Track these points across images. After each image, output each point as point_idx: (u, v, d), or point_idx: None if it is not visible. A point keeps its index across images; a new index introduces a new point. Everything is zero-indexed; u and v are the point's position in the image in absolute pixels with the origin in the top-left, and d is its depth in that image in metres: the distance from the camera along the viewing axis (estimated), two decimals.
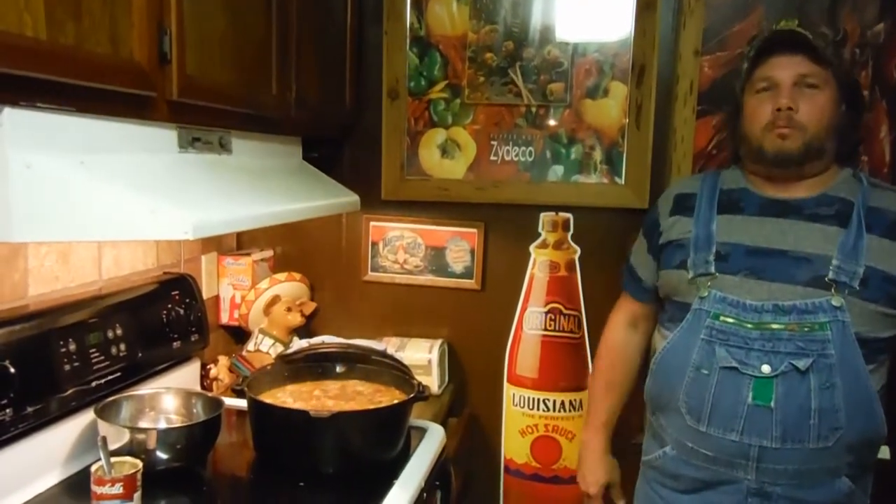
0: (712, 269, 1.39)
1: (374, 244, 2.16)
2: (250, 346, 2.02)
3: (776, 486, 1.34)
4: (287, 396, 1.57)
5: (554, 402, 2.04)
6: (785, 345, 1.31)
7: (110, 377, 1.43)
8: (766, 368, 1.31)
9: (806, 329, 1.30)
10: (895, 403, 1.40)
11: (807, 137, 1.35)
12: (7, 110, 0.97)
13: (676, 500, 1.45)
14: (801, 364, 1.29)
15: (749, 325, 1.33)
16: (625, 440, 1.71)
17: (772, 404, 1.30)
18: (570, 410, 2.04)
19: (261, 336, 2.02)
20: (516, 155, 2.06)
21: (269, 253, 2.20)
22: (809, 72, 1.36)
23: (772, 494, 1.34)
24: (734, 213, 1.43)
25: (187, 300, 1.71)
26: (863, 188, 1.39)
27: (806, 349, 1.30)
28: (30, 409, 1.24)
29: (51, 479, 1.33)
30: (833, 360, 1.29)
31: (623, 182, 2.01)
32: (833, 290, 1.30)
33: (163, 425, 1.46)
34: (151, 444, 1.31)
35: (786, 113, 1.35)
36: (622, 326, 1.64)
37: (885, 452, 1.46)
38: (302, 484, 1.38)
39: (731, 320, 1.35)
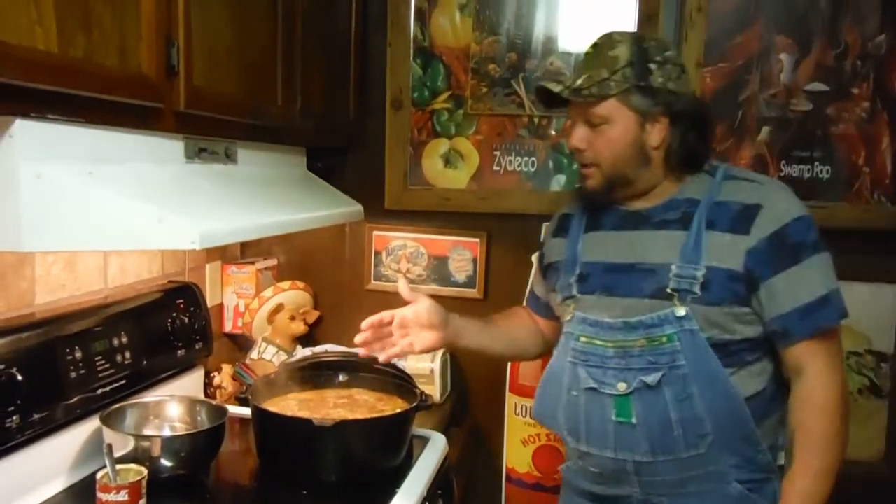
0: (574, 292, 1.39)
1: (377, 253, 2.17)
2: (254, 354, 2.02)
3: (662, 497, 1.34)
4: (290, 405, 1.57)
5: None
6: (637, 361, 1.29)
7: (115, 385, 1.44)
8: (621, 386, 1.30)
9: (655, 343, 1.28)
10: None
11: (606, 173, 1.32)
12: (18, 122, 0.99)
13: None
14: (650, 379, 1.28)
15: (608, 344, 1.32)
16: None
17: (633, 420, 1.30)
18: None
19: (264, 344, 2.03)
20: (519, 165, 2.08)
21: (272, 262, 2.21)
22: (589, 112, 1.30)
23: None
24: (598, 230, 1.42)
25: (192, 308, 1.72)
26: (712, 183, 1.33)
27: (656, 363, 1.28)
28: (36, 416, 1.25)
29: (56, 485, 1.33)
30: (685, 370, 1.26)
31: None
32: (675, 300, 1.27)
33: (167, 433, 1.46)
34: (156, 451, 1.32)
35: (579, 154, 1.34)
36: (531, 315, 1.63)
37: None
38: (305, 492, 1.38)
39: (588, 340, 1.35)
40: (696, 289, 1.26)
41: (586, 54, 1.34)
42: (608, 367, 1.32)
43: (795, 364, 1.29)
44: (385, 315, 1.41)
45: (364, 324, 1.41)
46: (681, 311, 1.26)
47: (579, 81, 1.29)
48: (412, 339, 1.40)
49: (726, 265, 1.26)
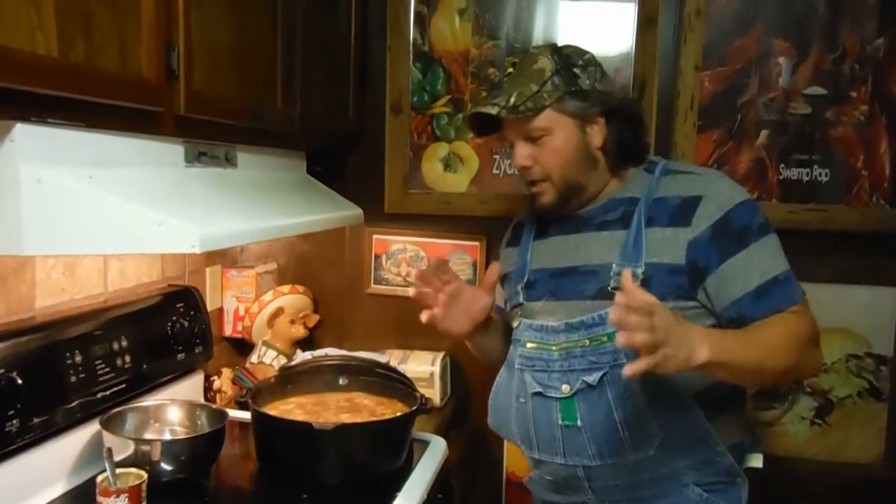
0: (521, 299, 1.40)
1: (377, 257, 2.18)
2: (254, 358, 2.03)
3: (617, 503, 1.33)
4: (290, 408, 1.57)
5: None
6: (579, 362, 1.29)
7: (115, 389, 1.44)
8: (565, 388, 1.29)
9: (596, 343, 1.27)
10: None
11: (557, 185, 1.33)
12: (19, 126, 0.99)
13: None
14: (591, 379, 1.27)
15: (552, 348, 1.32)
16: None
17: (579, 423, 1.29)
18: None
19: (264, 348, 2.03)
20: None
21: (272, 265, 2.21)
22: (528, 127, 1.31)
23: None
24: (545, 237, 1.43)
25: (192, 312, 1.72)
26: (651, 180, 1.34)
27: (598, 363, 1.27)
28: (36, 420, 1.25)
29: (56, 489, 1.33)
30: None
31: None
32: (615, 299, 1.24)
33: (167, 437, 1.46)
34: (156, 455, 1.32)
35: (527, 172, 1.34)
36: None
37: (758, 461, 1.39)
38: (305, 496, 1.38)
39: (534, 346, 1.35)
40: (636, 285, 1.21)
41: (507, 74, 1.37)
42: (553, 371, 1.31)
43: None
44: (452, 277, 1.38)
45: (427, 269, 1.42)
46: None
47: (512, 100, 1.29)
48: (448, 315, 1.36)
49: (667, 259, 1.25)
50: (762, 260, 1.24)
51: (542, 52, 1.32)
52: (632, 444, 1.27)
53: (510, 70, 1.34)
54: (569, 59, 1.31)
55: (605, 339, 1.27)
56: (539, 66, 1.30)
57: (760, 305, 1.23)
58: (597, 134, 1.32)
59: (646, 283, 1.23)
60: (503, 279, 1.51)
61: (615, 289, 1.25)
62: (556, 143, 1.31)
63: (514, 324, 1.41)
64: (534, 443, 1.36)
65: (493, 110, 1.30)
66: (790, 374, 1.28)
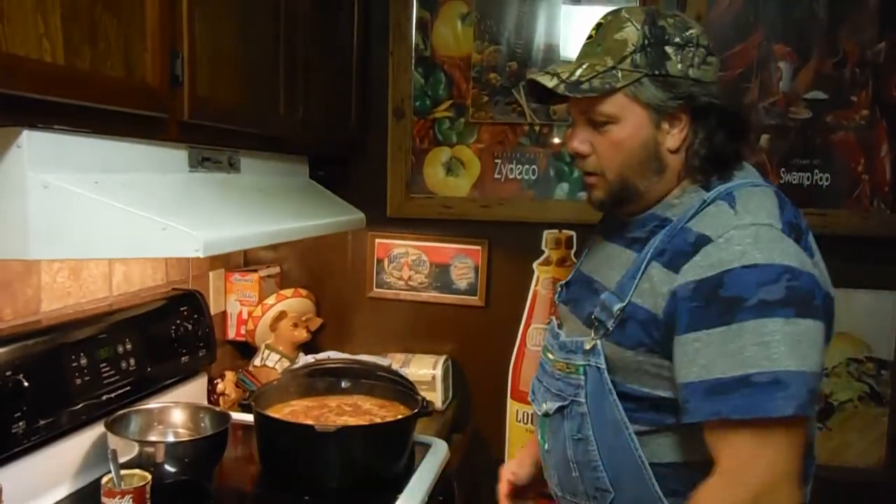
0: (556, 299, 1.30)
1: (380, 261, 2.19)
2: (257, 361, 2.04)
3: None
4: (293, 411, 1.58)
5: None
6: (554, 384, 1.17)
7: (120, 391, 1.45)
8: (543, 406, 1.18)
9: (569, 371, 1.13)
10: None
11: (611, 185, 1.11)
12: (26, 132, 1.00)
13: None
14: (549, 407, 1.15)
15: (551, 359, 1.20)
16: None
17: (546, 446, 1.19)
18: None
19: (267, 351, 2.04)
20: (520, 173, 2.09)
21: (275, 269, 2.22)
22: (593, 110, 1.08)
23: None
24: (597, 235, 1.28)
25: (195, 316, 1.74)
26: (697, 203, 1.07)
27: (563, 392, 1.14)
28: (42, 422, 1.26)
29: (61, 490, 1.35)
30: (584, 409, 1.09)
31: None
32: (592, 330, 1.10)
33: (171, 439, 1.47)
34: (160, 457, 1.33)
35: (580, 160, 1.14)
36: None
37: None
38: (307, 498, 1.39)
39: (544, 352, 1.23)
40: (611, 324, 1.07)
41: (588, 38, 1.12)
42: (542, 383, 1.22)
43: (711, 453, 1.00)
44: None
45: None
46: (588, 344, 1.10)
47: (578, 73, 1.06)
48: None
49: (647, 305, 1.04)
50: (743, 347, 0.94)
51: (633, 18, 1.06)
52: (584, 488, 1.13)
53: (592, 32, 1.11)
54: (663, 34, 1.05)
55: (573, 368, 1.12)
56: (623, 35, 1.05)
57: (707, 405, 0.96)
58: (675, 133, 1.08)
59: (621, 323, 1.06)
60: None
61: (596, 318, 1.09)
62: (620, 134, 1.08)
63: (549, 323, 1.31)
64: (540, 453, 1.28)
65: (551, 82, 1.07)
66: None
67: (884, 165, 1.92)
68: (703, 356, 0.97)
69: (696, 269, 0.99)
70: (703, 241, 1.01)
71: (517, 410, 2.08)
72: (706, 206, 1.06)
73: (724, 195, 1.06)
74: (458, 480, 1.69)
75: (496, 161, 2.10)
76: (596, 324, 1.10)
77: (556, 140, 2.06)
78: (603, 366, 1.08)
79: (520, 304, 2.08)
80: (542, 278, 2.07)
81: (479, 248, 2.12)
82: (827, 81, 1.92)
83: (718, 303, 0.96)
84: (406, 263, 2.17)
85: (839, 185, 1.94)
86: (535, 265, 2.08)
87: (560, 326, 1.24)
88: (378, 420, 1.55)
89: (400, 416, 1.54)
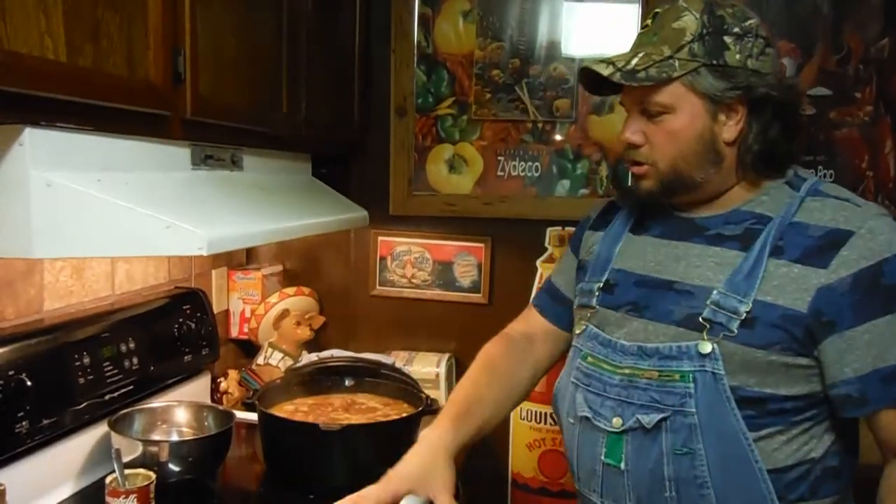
0: (594, 302, 1.18)
1: (382, 259, 2.18)
2: (260, 359, 2.04)
3: None
4: (296, 409, 1.58)
5: None
6: (640, 395, 1.07)
7: (123, 390, 1.45)
8: (616, 421, 1.09)
9: (665, 378, 1.06)
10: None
11: (663, 175, 1.09)
12: (28, 130, 1.00)
13: None
14: (647, 420, 1.05)
15: (615, 370, 1.11)
16: None
17: (622, 465, 1.08)
18: None
19: (270, 350, 2.04)
20: (523, 170, 2.09)
21: (278, 267, 2.22)
22: (648, 100, 1.07)
23: None
24: (640, 233, 1.20)
25: (198, 314, 1.73)
26: (793, 199, 1.07)
27: (660, 402, 1.05)
28: (45, 422, 1.26)
29: (65, 490, 1.35)
30: (694, 419, 1.03)
31: None
32: (705, 333, 1.04)
33: (175, 438, 1.47)
34: (164, 456, 1.33)
35: (633, 150, 1.11)
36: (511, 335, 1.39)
37: None
38: (311, 496, 1.39)
39: (595, 362, 1.15)
40: (734, 326, 1.03)
41: (644, 26, 1.11)
42: (608, 396, 1.11)
43: (887, 438, 1.03)
44: None
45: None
46: (706, 348, 1.04)
47: (634, 61, 1.05)
48: None
49: (784, 303, 1.01)
50: None
51: (692, 7, 1.05)
52: None
53: (648, 21, 1.09)
54: (722, 23, 1.04)
55: (676, 376, 1.05)
56: (681, 24, 1.04)
57: (890, 390, 1.00)
58: (731, 125, 1.06)
59: (747, 323, 1.02)
60: (579, 265, 1.29)
61: (707, 320, 1.05)
62: (675, 124, 1.06)
63: (579, 329, 1.21)
64: (576, 471, 1.18)
65: (606, 70, 1.05)
66: None
67: (888, 162, 1.92)
68: (875, 346, 0.99)
69: (849, 262, 1.00)
70: (841, 234, 1.02)
71: (521, 408, 2.08)
72: (804, 199, 1.07)
73: (816, 190, 1.08)
74: (462, 479, 1.69)
75: (499, 158, 2.09)
76: (708, 326, 1.04)
77: (559, 137, 2.05)
78: (721, 371, 1.03)
79: (523, 302, 2.06)
80: (545, 275, 2.07)
81: (481, 245, 2.12)
82: (831, 78, 1.91)
83: (881, 292, 0.99)
84: (409, 261, 2.16)
85: (843, 182, 1.90)
86: (538, 262, 2.08)
87: (603, 331, 1.17)
88: (382, 418, 1.55)
89: (404, 415, 1.54)
